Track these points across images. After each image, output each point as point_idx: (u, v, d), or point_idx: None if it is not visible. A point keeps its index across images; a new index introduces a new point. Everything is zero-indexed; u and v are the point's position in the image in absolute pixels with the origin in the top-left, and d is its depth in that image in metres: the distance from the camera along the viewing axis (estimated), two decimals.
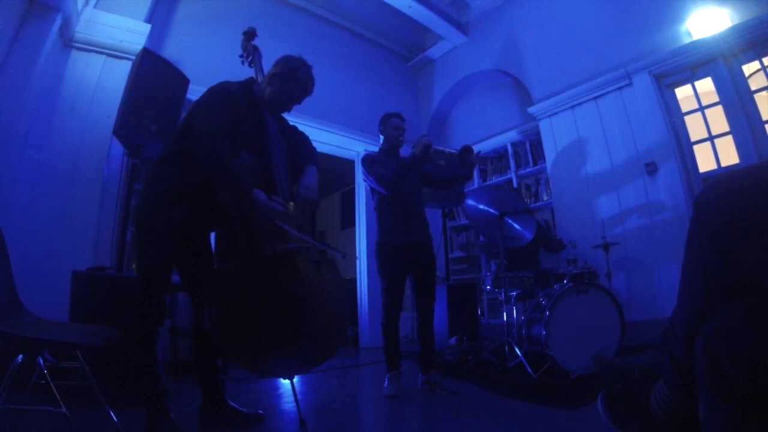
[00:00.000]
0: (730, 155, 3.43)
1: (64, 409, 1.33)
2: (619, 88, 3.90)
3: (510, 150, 5.05)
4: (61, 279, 2.31)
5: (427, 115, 5.86)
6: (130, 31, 3.30)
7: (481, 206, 2.97)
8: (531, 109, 4.55)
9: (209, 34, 3.98)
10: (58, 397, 1.35)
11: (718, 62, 3.44)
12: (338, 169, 5.88)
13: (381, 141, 2.72)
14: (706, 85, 3.59)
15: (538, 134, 4.62)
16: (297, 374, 2.08)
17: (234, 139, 1.69)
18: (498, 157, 5.31)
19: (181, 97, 3.08)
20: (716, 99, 3.50)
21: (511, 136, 5.06)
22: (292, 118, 2.13)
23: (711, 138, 3.55)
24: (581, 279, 3.03)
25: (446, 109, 5.85)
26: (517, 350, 2.69)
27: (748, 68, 3.38)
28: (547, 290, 2.86)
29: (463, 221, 5.32)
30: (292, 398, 1.85)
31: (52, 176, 2.93)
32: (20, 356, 1.34)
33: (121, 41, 3.27)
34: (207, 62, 3.71)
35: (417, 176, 2.66)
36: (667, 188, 3.54)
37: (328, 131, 4.80)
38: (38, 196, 2.85)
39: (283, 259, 1.71)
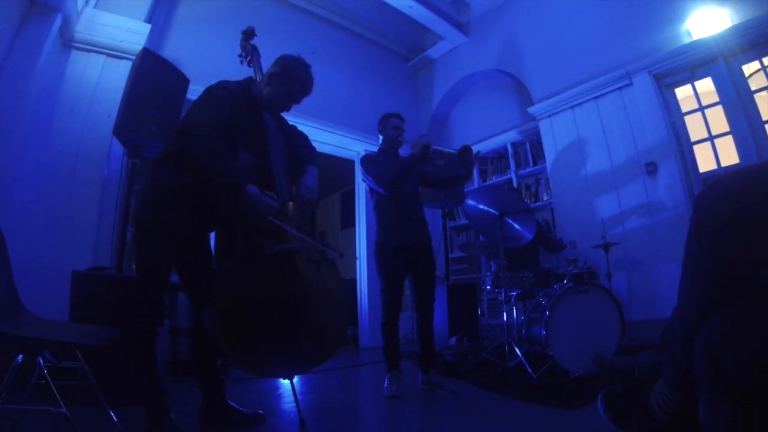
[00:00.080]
0: (730, 155, 3.43)
1: (64, 409, 1.33)
2: (619, 88, 3.90)
3: (510, 150, 5.05)
4: (61, 279, 2.31)
5: (427, 115, 5.86)
6: (130, 31, 3.30)
7: (481, 206, 2.97)
8: (531, 109, 4.55)
9: (209, 34, 3.98)
10: (58, 397, 1.35)
11: (718, 62, 3.44)
12: (338, 169, 5.88)
13: (380, 141, 2.72)
14: (706, 85, 3.59)
15: (538, 134, 4.62)
16: (297, 374, 2.08)
17: (232, 139, 1.69)
18: (498, 157, 5.31)
19: (181, 97, 3.08)
20: (716, 99, 3.50)
21: (511, 136, 5.06)
22: (291, 118, 2.13)
23: (711, 138, 3.55)
24: (581, 279, 3.03)
25: (446, 109, 5.85)
26: (517, 350, 2.69)
27: (748, 68, 3.38)
28: (547, 290, 2.86)
29: (463, 221, 5.32)
30: (292, 398, 1.85)
31: (52, 176, 2.93)
32: (20, 356, 1.34)
33: (121, 41, 3.27)
34: (207, 62, 3.71)
35: (416, 176, 2.66)
36: (667, 188, 3.54)
37: (328, 131, 4.80)
38: (38, 196, 2.85)
39: (282, 259, 1.70)
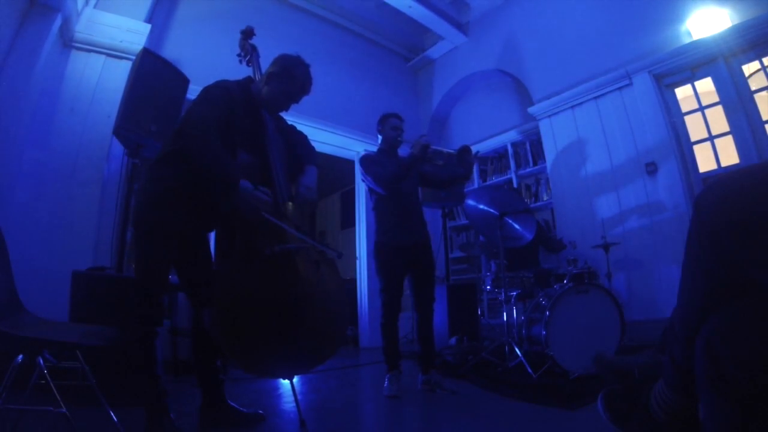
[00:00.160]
0: (730, 155, 3.43)
1: (64, 409, 1.33)
2: (619, 88, 3.90)
3: (510, 150, 5.05)
4: (61, 279, 2.31)
5: (427, 115, 5.86)
6: (130, 31, 3.30)
7: (481, 206, 2.97)
8: (531, 109, 4.55)
9: (209, 34, 3.98)
10: (58, 397, 1.35)
11: (718, 62, 3.44)
12: (338, 169, 5.88)
13: (379, 141, 2.72)
14: (706, 85, 3.59)
15: (538, 134, 4.62)
16: (297, 374, 2.08)
17: (231, 139, 1.68)
18: (498, 157, 5.31)
19: (181, 97, 3.08)
20: (716, 99, 3.50)
21: (511, 136, 5.06)
22: (291, 118, 2.13)
23: (711, 138, 3.54)
24: (581, 279, 3.03)
25: (446, 109, 5.85)
26: (517, 350, 2.69)
27: (748, 68, 3.38)
28: (547, 290, 2.86)
29: (463, 221, 5.32)
30: (292, 398, 1.85)
31: (52, 176, 2.93)
32: (20, 356, 1.34)
33: (121, 41, 3.27)
34: (207, 62, 3.70)
35: (415, 176, 2.66)
36: (667, 188, 3.54)
37: (327, 131, 4.80)
38: (38, 196, 2.85)
39: (282, 259, 1.70)
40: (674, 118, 3.69)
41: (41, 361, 1.37)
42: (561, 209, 4.28)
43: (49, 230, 2.83)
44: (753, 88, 3.32)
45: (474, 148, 2.61)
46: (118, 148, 3.12)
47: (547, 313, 2.53)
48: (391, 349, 2.45)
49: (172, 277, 1.82)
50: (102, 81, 3.20)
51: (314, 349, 1.74)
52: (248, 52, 2.01)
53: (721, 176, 0.74)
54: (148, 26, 3.42)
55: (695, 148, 3.63)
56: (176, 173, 1.65)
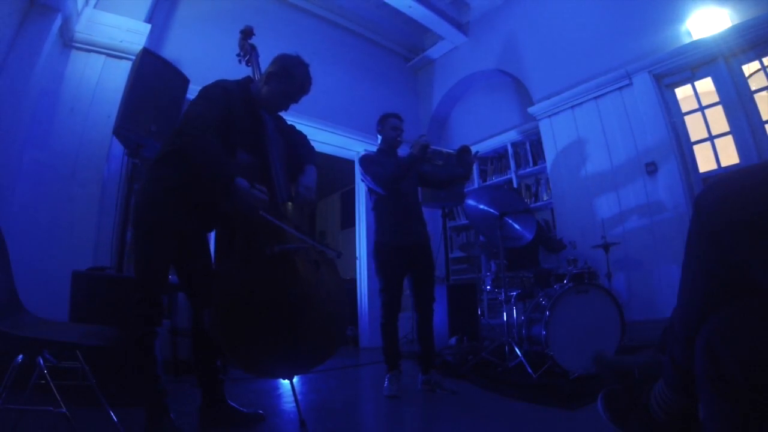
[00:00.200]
0: (730, 155, 3.43)
1: (64, 409, 1.33)
2: (619, 88, 3.90)
3: (510, 150, 5.05)
4: (61, 279, 2.31)
5: (427, 115, 5.86)
6: (130, 31, 3.30)
7: (481, 206, 2.97)
8: (531, 109, 4.55)
9: (209, 34, 3.98)
10: (58, 397, 1.35)
11: (718, 62, 3.44)
12: (338, 169, 5.88)
13: (379, 141, 2.72)
14: (706, 85, 3.59)
15: (538, 134, 4.62)
16: (296, 374, 2.08)
17: (230, 139, 1.68)
18: (498, 157, 5.31)
19: (181, 97, 3.08)
20: (716, 99, 3.50)
21: (511, 136, 5.06)
22: (291, 118, 2.13)
23: (711, 138, 3.54)
24: (581, 279, 3.03)
25: (446, 109, 5.85)
26: (517, 350, 2.69)
27: (748, 68, 3.38)
28: (547, 290, 2.86)
29: (463, 221, 5.32)
30: (292, 398, 1.85)
31: (52, 176, 2.93)
32: (20, 356, 1.34)
33: (121, 41, 3.27)
34: (207, 62, 3.71)
35: (415, 176, 2.66)
36: (667, 188, 3.54)
37: (327, 131, 4.80)
38: (38, 196, 2.85)
39: (281, 259, 1.70)
40: (674, 118, 3.69)
41: (41, 361, 1.37)
42: (561, 209, 4.28)
43: (49, 230, 2.82)
44: (753, 88, 3.32)
45: (474, 148, 2.61)
46: (118, 148, 3.12)
47: (547, 313, 2.53)
48: (391, 349, 2.45)
49: (172, 277, 1.82)
50: (102, 81, 3.20)
51: (314, 349, 1.74)
52: (247, 52, 2.01)
53: (721, 176, 0.74)
54: (148, 26, 3.42)
55: (695, 148, 3.63)
56: (176, 173, 1.64)
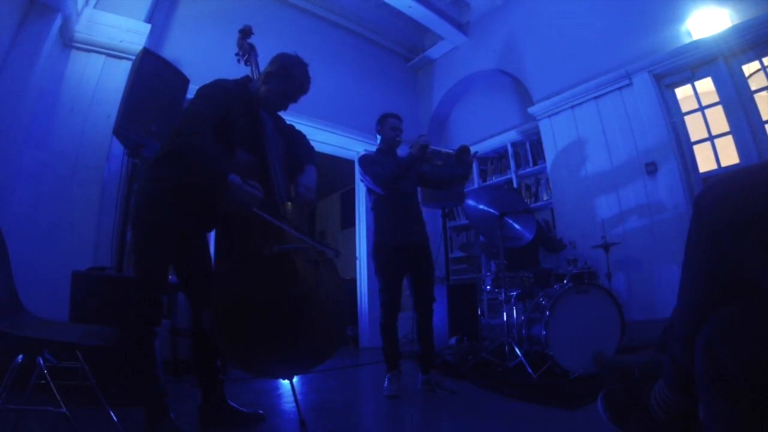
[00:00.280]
0: (730, 155, 3.43)
1: (64, 409, 1.33)
2: (619, 88, 3.90)
3: (510, 150, 5.05)
4: (61, 279, 2.31)
5: (427, 115, 5.86)
6: (130, 31, 3.30)
7: (481, 206, 2.97)
8: (531, 109, 4.55)
9: (209, 34, 3.98)
10: (58, 397, 1.35)
11: (718, 62, 3.43)
12: (338, 169, 5.88)
13: (378, 141, 2.72)
14: (706, 85, 3.59)
15: (538, 134, 4.62)
16: (296, 375, 2.08)
17: (229, 138, 1.68)
18: (498, 157, 5.31)
19: (181, 97, 3.08)
20: (716, 99, 3.50)
21: (511, 136, 5.06)
22: (291, 118, 2.13)
23: (711, 138, 3.54)
24: (581, 279, 3.03)
25: (446, 109, 5.85)
26: (517, 350, 2.69)
27: (748, 68, 3.38)
28: (547, 290, 2.86)
29: (463, 221, 5.32)
30: (292, 398, 1.85)
31: (52, 176, 2.93)
32: (20, 356, 1.34)
33: (121, 41, 3.27)
34: (207, 62, 3.70)
35: (414, 176, 2.66)
36: (667, 188, 3.54)
37: (327, 131, 4.80)
38: (38, 196, 2.85)
39: (281, 259, 1.70)
40: (674, 118, 3.69)
41: (41, 361, 1.37)
42: (561, 209, 4.28)
43: (49, 230, 2.82)
44: (753, 88, 3.32)
45: (474, 148, 2.61)
46: (118, 148, 3.12)
47: (547, 313, 2.53)
48: (391, 349, 2.45)
49: (172, 277, 1.81)
50: (102, 81, 3.20)
51: (314, 349, 1.74)
52: (246, 51, 2.00)
53: (721, 176, 0.74)
54: (148, 26, 3.42)
55: (695, 148, 3.63)
56: (175, 173, 1.64)
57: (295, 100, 1.89)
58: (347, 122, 4.98)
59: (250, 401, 2.25)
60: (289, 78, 1.81)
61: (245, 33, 2.01)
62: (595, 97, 4.06)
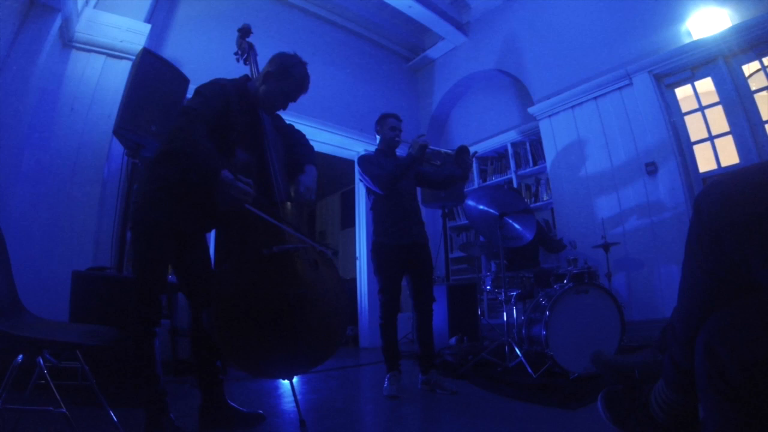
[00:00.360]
0: (730, 155, 3.43)
1: (64, 409, 1.33)
2: (619, 88, 3.90)
3: (510, 150, 5.05)
4: (61, 279, 2.31)
5: (427, 115, 5.86)
6: (130, 31, 3.30)
7: (481, 206, 2.97)
8: (531, 109, 4.55)
9: (209, 34, 3.98)
10: (58, 397, 1.35)
11: (718, 62, 3.43)
12: (338, 169, 5.88)
13: (378, 141, 2.72)
14: (706, 85, 3.59)
15: (538, 134, 4.62)
16: (296, 375, 2.08)
17: (228, 138, 1.68)
18: (498, 157, 5.31)
19: (181, 97, 3.07)
20: (716, 99, 3.50)
21: (511, 136, 5.06)
22: (291, 118, 2.13)
23: (711, 138, 3.54)
24: (581, 279, 3.02)
25: (446, 109, 5.85)
26: (517, 350, 2.69)
27: (748, 68, 3.38)
28: (547, 290, 2.86)
29: (463, 221, 5.32)
30: (292, 398, 1.85)
31: (52, 176, 2.92)
32: (20, 356, 1.34)
33: (121, 41, 3.26)
34: (207, 62, 3.70)
35: (413, 176, 2.66)
36: (667, 188, 3.54)
37: (327, 131, 4.80)
38: (38, 195, 2.84)
39: (280, 259, 1.70)
40: (674, 118, 3.69)
41: (41, 361, 1.37)
42: (561, 209, 4.28)
43: (49, 230, 2.82)
44: (753, 88, 3.32)
45: (474, 148, 2.61)
46: (118, 148, 3.12)
47: (547, 313, 2.53)
48: (391, 349, 2.45)
49: (172, 277, 1.81)
50: (102, 81, 3.19)
51: (314, 349, 1.74)
52: (245, 51, 2.00)
53: (721, 176, 0.74)
54: (148, 26, 3.42)
55: (695, 148, 3.63)
56: (173, 173, 1.64)
57: (294, 100, 1.89)
58: (347, 122, 4.98)
59: (250, 401, 2.26)
60: (289, 77, 1.81)
61: (244, 32, 2.01)
62: (595, 97, 4.06)
